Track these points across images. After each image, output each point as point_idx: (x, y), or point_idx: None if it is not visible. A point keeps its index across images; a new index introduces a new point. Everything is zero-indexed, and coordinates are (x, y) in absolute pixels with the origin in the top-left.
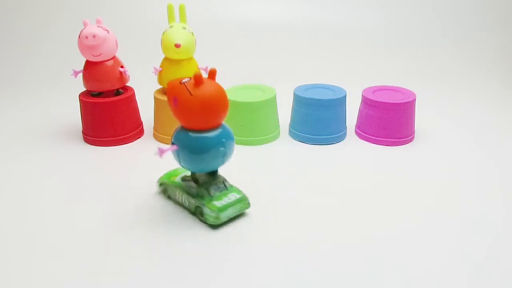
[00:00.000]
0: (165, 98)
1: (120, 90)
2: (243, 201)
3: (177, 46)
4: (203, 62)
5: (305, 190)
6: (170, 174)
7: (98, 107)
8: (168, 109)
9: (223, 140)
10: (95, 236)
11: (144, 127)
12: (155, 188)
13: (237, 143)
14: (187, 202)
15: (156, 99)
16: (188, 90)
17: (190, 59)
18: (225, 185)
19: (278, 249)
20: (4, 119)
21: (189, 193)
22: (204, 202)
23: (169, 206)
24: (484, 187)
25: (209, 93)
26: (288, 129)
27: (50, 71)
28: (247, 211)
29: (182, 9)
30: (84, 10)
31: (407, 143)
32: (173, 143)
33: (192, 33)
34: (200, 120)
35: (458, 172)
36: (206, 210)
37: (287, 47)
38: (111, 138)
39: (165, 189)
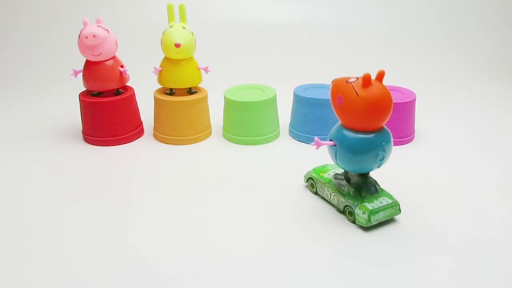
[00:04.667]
0: (165, 98)
1: (120, 90)
2: (395, 207)
3: (177, 45)
4: (203, 62)
5: (305, 190)
6: (319, 170)
7: (98, 107)
8: (168, 109)
9: (383, 143)
10: (95, 236)
11: (144, 127)
12: (154, 187)
13: (238, 143)
14: (336, 199)
15: (156, 99)
16: (355, 90)
17: (190, 59)
18: (376, 188)
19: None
20: (4, 119)
21: (339, 191)
22: (356, 203)
23: (169, 204)
24: (484, 187)
25: (376, 95)
26: (288, 129)
27: (50, 71)
28: (397, 217)
29: (182, 9)
30: (84, 10)
31: (407, 143)
32: (331, 139)
33: (192, 33)
34: (363, 121)
35: (458, 172)
36: (357, 211)
37: (287, 47)
38: (111, 138)
39: (313, 183)
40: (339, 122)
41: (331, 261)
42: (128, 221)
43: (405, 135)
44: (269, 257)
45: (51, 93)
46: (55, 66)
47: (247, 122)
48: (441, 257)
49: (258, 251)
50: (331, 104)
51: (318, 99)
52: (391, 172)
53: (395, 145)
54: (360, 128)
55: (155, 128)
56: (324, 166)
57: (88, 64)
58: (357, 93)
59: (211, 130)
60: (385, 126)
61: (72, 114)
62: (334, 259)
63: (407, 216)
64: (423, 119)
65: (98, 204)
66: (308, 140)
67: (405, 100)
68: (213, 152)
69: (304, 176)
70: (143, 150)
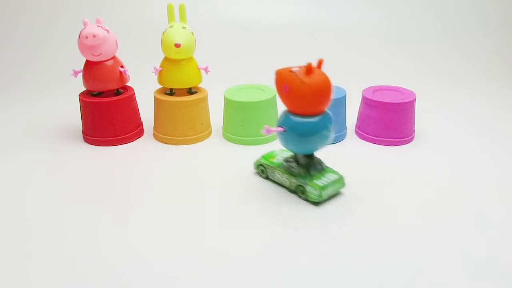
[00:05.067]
0: (165, 98)
1: (120, 90)
2: (341, 181)
3: (177, 46)
4: (203, 62)
5: None
6: (268, 156)
7: (98, 107)
8: (168, 109)
9: (328, 125)
10: (95, 236)
11: (144, 127)
12: (154, 187)
13: (237, 143)
14: (287, 181)
15: (156, 99)
16: (300, 78)
17: (190, 59)
18: (321, 166)
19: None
20: (4, 119)
21: (290, 173)
22: (306, 181)
23: (168, 207)
24: (484, 187)
25: (319, 81)
26: None
27: (50, 71)
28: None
29: (182, 9)
30: (84, 10)
31: (407, 143)
32: (280, 125)
33: (192, 33)
34: (309, 106)
35: (458, 172)
36: (308, 189)
37: (287, 47)
38: (111, 138)
39: (263, 170)
40: (286, 109)
41: (334, 260)
42: (128, 221)
43: (405, 135)
44: (270, 257)
45: (51, 93)
46: (55, 66)
47: (247, 122)
48: (441, 257)
49: (258, 251)
50: (277, 93)
51: None
52: (391, 172)
53: (395, 145)
54: (306, 112)
55: (155, 128)
56: (272, 152)
57: (88, 64)
58: (302, 81)
59: (211, 130)
60: (327, 110)
61: (72, 114)
62: (338, 259)
63: (407, 216)
64: (423, 119)
65: (98, 204)
66: None
67: (405, 100)
68: (213, 152)
69: (254, 164)
70: (143, 150)
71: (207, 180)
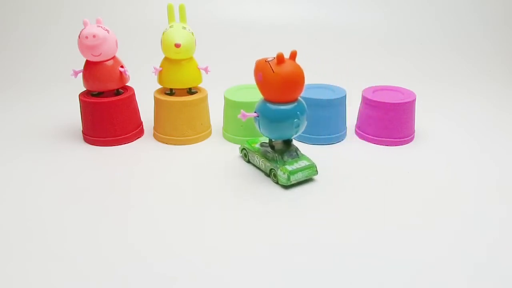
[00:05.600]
0: (165, 98)
1: (120, 90)
2: (312, 168)
3: (177, 46)
4: (203, 62)
5: (305, 190)
6: (251, 141)
7: (98, 107)
8: (168, 109)
9: (298, 113)
10: (95, 236)
11: (144, 127)
12: (154, 187)
13: (237, 143)
14: (263, 165)
15: (156, 99)
16: (271, 68)
17: (190, 59)
18: (297, 154)
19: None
20: (4, 119)
21: (265, 157)
22: (277, 165)
23: (160, 209)
24: (484, 187)
25: (288, 71)
26: None
27: (50, 71)
28: (315, 177)
29: (182, 9)
30: (84, 10)
31: (407, 143)
32: (255, 111)
33: (192, 33)
34: (278, 94)
35: (458, 172)
36: (279, 172)
37: (287, 47)
38: (111, 138)
39: (246, 153)
40: (262, 97)
41: (334, 260)
42: (128, 221)
43: (405, 135)
44: (270, 257)
45: (51, 93)
46: (55, 66)
47: (247, 122)
48: (441, 257)
49: (259, 251)
50: (255, 81)
51: (318, 99)
52: (391, 172)
53: (395, 145)
54: (278, 100)
55: (155, 128)
56: (256, 138)
57: (88, 64)
58: (272, 70)
59: (211, 130)
60: (300, 99)
61: (72, 114)
62: (337, 258)
63: (407, 216)
64: (423, 119)
65: (98, 204)
66: (308, 141)
67: (405, 100)
68: (213, 152)
69: (239, 148)
70: (143, 150)
71: (207, 180)
